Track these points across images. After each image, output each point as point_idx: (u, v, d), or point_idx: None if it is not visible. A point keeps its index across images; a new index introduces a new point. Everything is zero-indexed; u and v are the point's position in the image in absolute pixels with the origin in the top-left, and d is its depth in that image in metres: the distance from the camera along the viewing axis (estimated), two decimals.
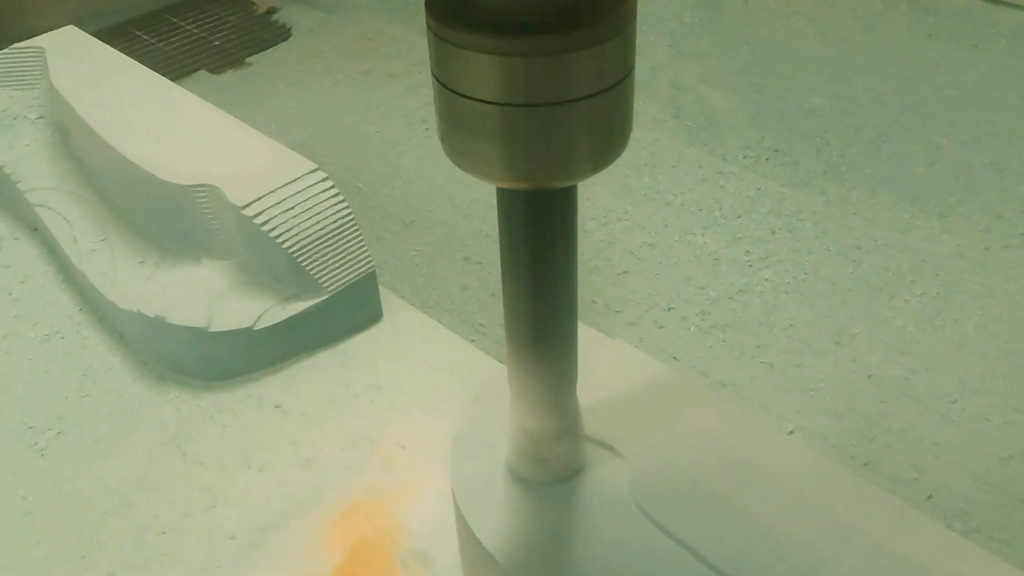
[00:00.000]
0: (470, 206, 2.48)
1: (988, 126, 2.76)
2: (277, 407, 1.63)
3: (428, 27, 0.79)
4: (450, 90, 0.79)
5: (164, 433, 1.62)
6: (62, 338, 1.84)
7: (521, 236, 0.92)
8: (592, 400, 1.23)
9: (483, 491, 1.17)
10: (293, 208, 1.62)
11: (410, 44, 3.33)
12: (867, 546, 1.08)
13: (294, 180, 1.64)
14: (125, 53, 2.27)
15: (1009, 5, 3.33)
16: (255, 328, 1.62)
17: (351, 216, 1.67)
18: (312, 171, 1.67)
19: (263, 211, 1.60)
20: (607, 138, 0.82)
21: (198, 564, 1.41)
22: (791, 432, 1.90)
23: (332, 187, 1.66)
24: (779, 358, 2.05)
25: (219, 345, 1.64)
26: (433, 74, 0.81)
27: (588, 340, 1.30)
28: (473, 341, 1.91)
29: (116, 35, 3.28)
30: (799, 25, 3.35)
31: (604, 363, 1.31)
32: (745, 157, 2.68)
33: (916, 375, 1.98)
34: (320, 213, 1.64)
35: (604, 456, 1.18)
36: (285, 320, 1.65)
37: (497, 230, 0.97)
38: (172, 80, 2.22)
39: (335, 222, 1.65)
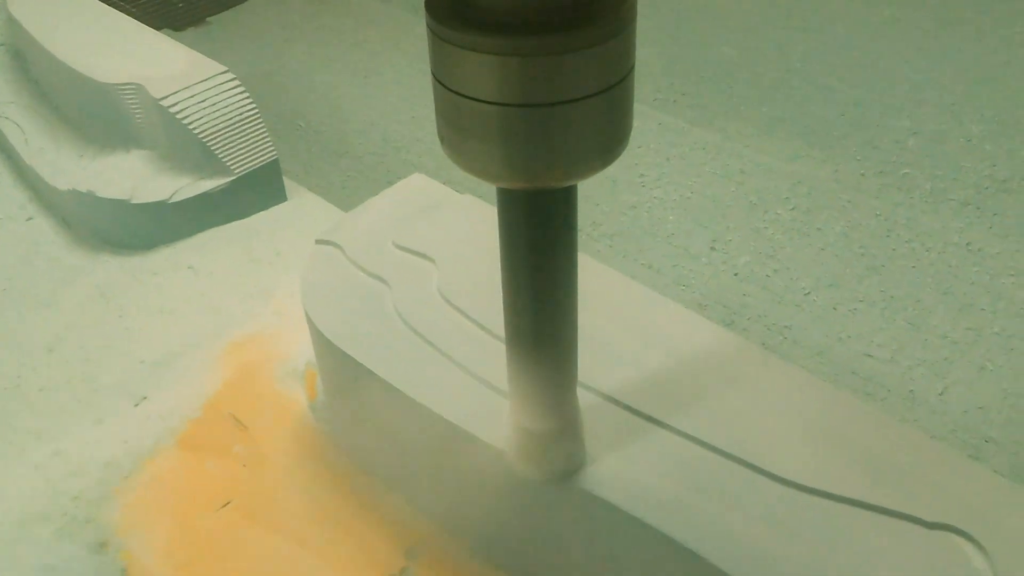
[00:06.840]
0: (399, 139, 2.73)
1: (877, 71, 2.98)
2: (190, 268, 1.90)
3: (428, 27, 0.79)
4: (450, 90, 0.78)
5: (94, 289, 1.88)
6: (13, 221, 2.12)
7: (521, 236, 0.92)
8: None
9: (327, 294, 1.38)
10: (204, 102, 1.90)
11: (360, 5, 3.59)
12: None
13: (206, 79, 1.92)
14: None
15: None
16: (171, 201, 1.89)
17: (255, 110, 1.96)
18: (222, 72, 1.95)
19: (178, 103, 1.87)
20: (607, 138, 0.81)
21: (115, 381, 1.67)
22: None
23: (239, 86, 1.94)
24: (658, 260, 2.27)
25: (141, 216, 1.92)
26: (433, 74, 0.80)
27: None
28: None
29: None
30: None
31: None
32: (655, 100, 2.90)
33: (777, 273, 2.20)
34: (228, 107, 1.92)
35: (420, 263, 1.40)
36: (197, 195, 1.93)
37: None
38: None
39: (241, 115, 1.93)
